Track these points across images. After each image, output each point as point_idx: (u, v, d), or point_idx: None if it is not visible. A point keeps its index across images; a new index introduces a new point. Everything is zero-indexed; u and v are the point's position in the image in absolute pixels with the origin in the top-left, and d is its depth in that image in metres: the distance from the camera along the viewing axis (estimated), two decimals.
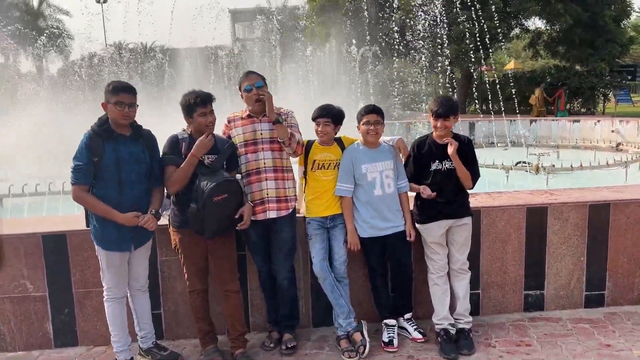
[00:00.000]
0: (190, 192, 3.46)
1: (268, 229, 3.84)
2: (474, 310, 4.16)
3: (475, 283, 4.21)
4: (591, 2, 21.02)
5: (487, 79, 22.03)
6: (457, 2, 17.33)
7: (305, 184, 3.99)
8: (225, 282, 3.73)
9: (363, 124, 3.88)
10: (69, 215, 4.44)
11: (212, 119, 3.59)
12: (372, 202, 3.88)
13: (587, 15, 21.13)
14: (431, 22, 17.76)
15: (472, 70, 21.75)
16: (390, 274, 4.14)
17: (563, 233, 4.29)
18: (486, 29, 17.53)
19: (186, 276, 3.78)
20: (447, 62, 17.34)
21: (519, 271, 4.32)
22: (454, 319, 3.93)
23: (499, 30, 18.27)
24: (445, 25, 17.31)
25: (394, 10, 19.53)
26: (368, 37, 18.38)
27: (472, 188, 3.93)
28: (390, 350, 3.80)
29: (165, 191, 3.65)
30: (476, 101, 23.12)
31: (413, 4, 18.47)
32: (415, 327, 4.02)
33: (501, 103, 18.10)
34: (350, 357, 3.71)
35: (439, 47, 17.38)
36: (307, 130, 4.00)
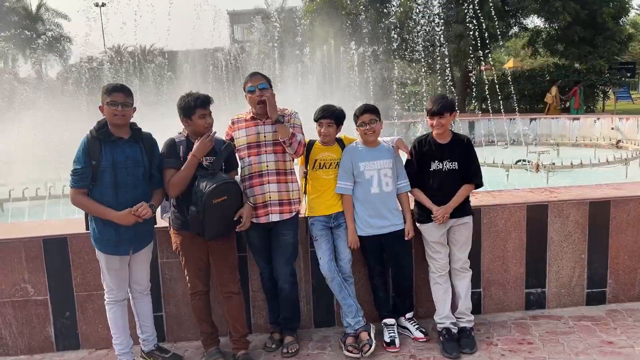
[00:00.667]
0: (190, 194, 3.46)
1: (270, 231, 3.83)
2: (476, 309, 4.16)
3: (476, 282, 4.21)
4: (590, 0, 21.02)
5: (486, 77, 22.05)
6: (455, 1, 17.35)
7: (306, 184, 3.99)
8: (225, 284, 3.72)
9: (359, 126, 3.90)
10: (69, 219, 4.44)
11: (210, 120, 3.59)
12: (369, 200, 3.88)
13: (586, 12, 21.15)
14: (430, 21, 17.77)
15: (471, 70, 21.79)
16: (391, 273, 4.14)
17: (564, 231, 4.29)
18: (484, 28, 17.54)
19: (187, 278, 3.77)
20: (446, 62, 17.33)
21: (520, 269, 4.32)
22: (456, 317, 3.93)
23: (498, 29, 18.27)
24: (443, 25, 17.33)
25: (393, 10, 19.54)
26: (367, 38, 18.40)
27: (482, 185, 3.93)
28: (393, 350, 3.80)
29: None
30: (474, 101, 23.12)
31: (411, 4, 18.48)
32: (417, 326, 4.02)
33: (500, 102, 18.11)
34: (352, 352, 3.71)
35: (438, 46, 17.39)
36: (307, 131, 3.99)
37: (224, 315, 3.85)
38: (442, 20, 17.40)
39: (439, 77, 18.53)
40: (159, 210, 3.81)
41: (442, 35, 17.22)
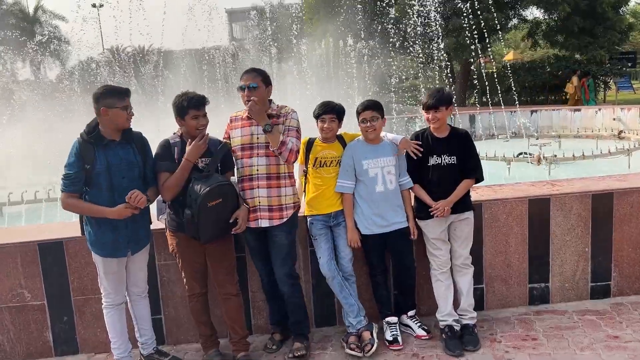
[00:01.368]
0: (185, 196, 3.41)
1: (265, 233, 3.75)
2: (479, 305, 4.12)
3: (478, 278, 4.16)
4: None
5: (485, 70, 21.95)
6: None
7: (306, 183, 3.93)
8: (224, 286, 3.68)
9: (360, 122, 3.84)
10: (65, 222, 4.40)
11: (204, 122, 3.51)
12: (374, 198, 3.82)
13: (585, 3, 21.03)
14: (428, 15, 17.68)
15: (470, 63, 21.65)
16: (392, 271, 4.09)
17: (566, 224, 4.23)
18: (483, 20, 17.44)
19: (185, 280, 3.73)
20: (445, 55, 17.25)
21: (523, 264, 4.26)
22: (458, 314, 3.88)
23: (497, 21, 18.16)
24: (442, 18, 17.24)
25: (391, 4, 19.45)
26: (364, 32, 18.31)
27: (483, 179, 3.87)
28: (396, 348, 3.76)
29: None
30: (476, 94, 23.03)
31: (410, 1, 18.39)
32: (419, 324, 3.97)
33: (500, 95, 18.01)
34: (354, 350, 3.67)
35: (437, 39, 17.31)
36: (305, 129, 3.93)
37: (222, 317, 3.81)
38: (439, 14, 17.31)
39: (438, 71, 18.44)
40: (155, 211, 3.77)
41: (440, 30, 17.13)
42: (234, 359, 3.73)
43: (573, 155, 10.16)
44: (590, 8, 21.25)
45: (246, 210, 3.61)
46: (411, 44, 18.31)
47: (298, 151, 3.69)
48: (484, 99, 16.93)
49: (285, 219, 3.69)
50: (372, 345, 3.67)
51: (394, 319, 3.93)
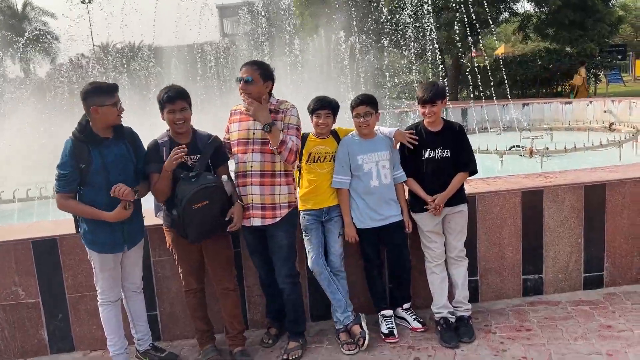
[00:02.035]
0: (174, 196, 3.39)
1: (263, 231, 3.69)
2: (473, 297, 4.14)
3: (473, 270, 4.19)
4: None
5: (477, 64, 21.99)
6: None
7: (299, 178, 3.93)
8: (221, 281, 3.67)
9: (354, 117, 3.83)
10: (59, 220, 4.37)
11: (180, 116, 3.42)
12: (369, 193, 3.83)
13: None
14: (419, 9, 17.66)
15: (462, 56, 21.70)
16: (388, 264, 4.10)
17: (559, 215, 4.26)
18: (474, 14, 17.45)
19: (181, 276, 3.72)
20: (437, 49, 17.24)
21: (517, 256, 4.29)
22: (453, 306, 3.90)
23: (488, 14, 18.17)
24: (433, 12, 17.23)
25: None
26: (356, 27, 18.27)
27: (476, 172, 3.88)
28: (391, 341, 3.78)
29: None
30: (468, 87, 23.06)
31: None
32: (414, 316, 3.99)
33: (492, 88, 18.04)
34: (349, 350, 3.68)
35: (428, 33, 17.29)
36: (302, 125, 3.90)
37: (220, 312, 3.81)
38: (430, 7, 17.27)
39: (430, 65, 18.45)
40: (152, 208, 3.75)
41: (431, 23, 17.10)
42: (230, 354, 3.73)
43: (565, 148, 10.20)
44: (581, 1, 21.29)
45: (240, 207, 3.57)
46: (402, 38, 18.31)
47: (298, 151, 3.61)
48: (476, 93, 16.93)
49: (278, 219, 3.60)
50: (364, 338, 3.68)
51: (389, 312, 3.95)
